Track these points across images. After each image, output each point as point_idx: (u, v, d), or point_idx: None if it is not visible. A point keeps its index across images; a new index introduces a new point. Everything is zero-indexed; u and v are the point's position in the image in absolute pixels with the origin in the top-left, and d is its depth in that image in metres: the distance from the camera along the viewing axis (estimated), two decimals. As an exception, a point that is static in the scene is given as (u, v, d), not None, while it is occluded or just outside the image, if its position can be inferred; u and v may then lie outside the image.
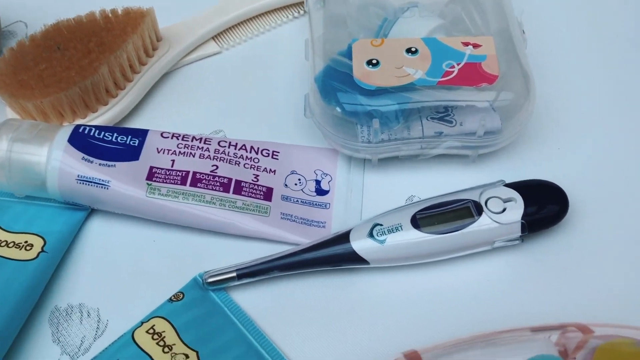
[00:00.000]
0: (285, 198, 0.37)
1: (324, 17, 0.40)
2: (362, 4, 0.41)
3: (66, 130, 0.36)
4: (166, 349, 0.30)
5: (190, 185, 0.36)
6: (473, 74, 0.35)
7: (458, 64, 0.36)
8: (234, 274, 0.33)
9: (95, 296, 0.35)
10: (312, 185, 0.38)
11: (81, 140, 0.36)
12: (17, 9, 0.47)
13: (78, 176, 0.35)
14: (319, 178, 0.38)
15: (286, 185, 0.37)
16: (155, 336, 0.31)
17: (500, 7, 0.40)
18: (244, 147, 0.38)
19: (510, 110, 0.37)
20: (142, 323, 0.32)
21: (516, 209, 0.34)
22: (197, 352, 0.30)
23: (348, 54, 0.37)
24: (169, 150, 0.37)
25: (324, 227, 0.36)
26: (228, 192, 0.36)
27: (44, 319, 0.34)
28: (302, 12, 0.47)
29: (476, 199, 0.34)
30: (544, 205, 0.35)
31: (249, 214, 0.36)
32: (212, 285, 0.34)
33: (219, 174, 0.36)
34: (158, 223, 0.37)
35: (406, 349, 0.28)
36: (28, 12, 0.47)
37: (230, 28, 0.46)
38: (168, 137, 0.38)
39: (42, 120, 0.39)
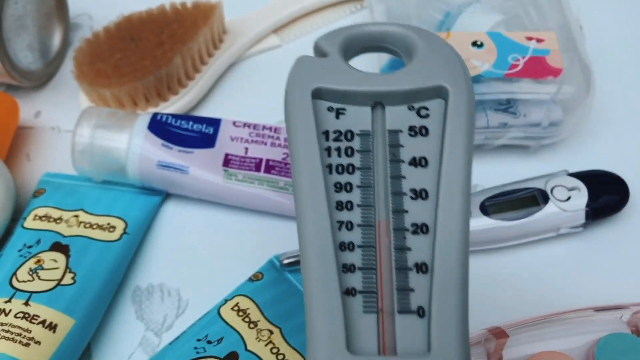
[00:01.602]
0: (353, 185, 0.38)
1: (386, 11, 0.41)
2: (424, -1, 0.42)
3: (145, 118, 0.38)
4: (252, 325, 0.32)
5: (264, 172, 0.37)
6: (538, 67, 0.37)
7: (523, 58, 0.37)
8: (309, 256, 0.35)
9: (174, 276, 0.36)
10: (377, 174, 0.39)
11: (159, 128, 0.37)
12: (82, 2, 0.49)
13: (158, 162, 0.37)
14: (383, 167, 0.40)
15: (353, 173, 0.39)
16: (240, 313, 0.32)
17: (558, 3, 0.41)
18: (311, 136, 0.40)
19: (571, 103, 0.38)
20: (225, 301, 0.33)
21: (580, 198, 0.35)
22: (280, 329, 0.32)
23: (413, 47, 0.39)
24: (241, 138, 0.38)
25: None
26: (300, 178, 0.37)
27: (127, 297, 0.36)
28: (359, 6, 0.48)
29: (542, 187, 0.35)
30: (606, 194, 0.36)
31: (320, 199, 0.37)
32: (288, 267, 0.35)
33: (289, 161, 0.38)
34: (229, 207, 0.38)
35: (485, 326, 0.30)
36: (93, 5, 0.49)
37: (289, 22, 0.47)
38: (240, 126, 0.39)
39: (117, 108, 0.41)
